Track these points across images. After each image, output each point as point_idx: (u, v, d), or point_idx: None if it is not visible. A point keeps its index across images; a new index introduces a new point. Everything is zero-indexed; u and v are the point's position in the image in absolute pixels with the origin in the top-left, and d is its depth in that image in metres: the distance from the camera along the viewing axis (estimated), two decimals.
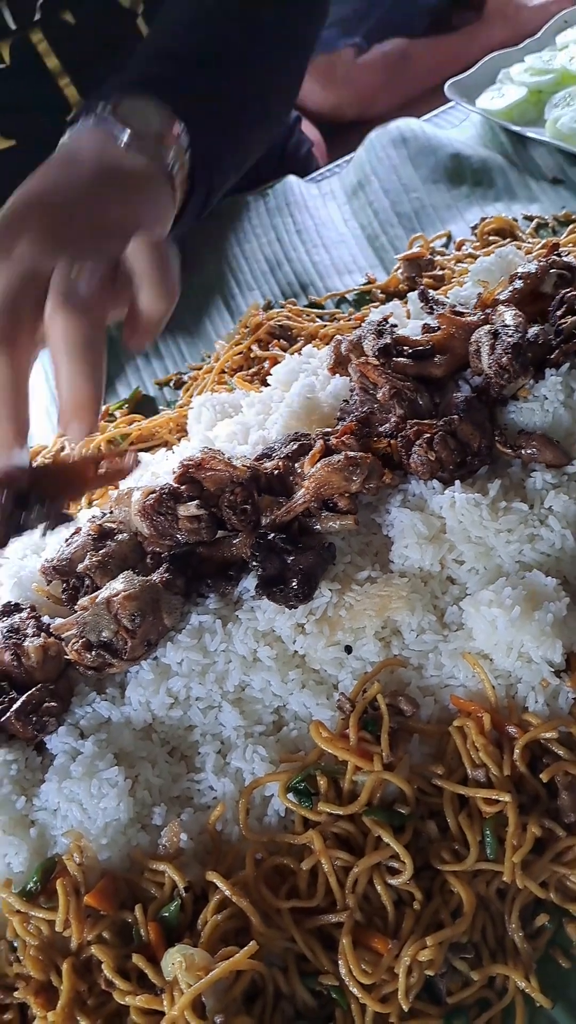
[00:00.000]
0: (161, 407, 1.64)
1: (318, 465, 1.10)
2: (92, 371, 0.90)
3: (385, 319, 1.25)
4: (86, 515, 1.23)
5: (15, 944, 0.97)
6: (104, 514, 1.17)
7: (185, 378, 1.68)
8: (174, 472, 1.11)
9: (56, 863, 0.98)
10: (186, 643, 1.06)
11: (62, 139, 1.11)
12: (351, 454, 1.10)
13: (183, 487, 1.09)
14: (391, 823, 0.96)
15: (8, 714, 1.03)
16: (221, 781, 1.03)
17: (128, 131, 1.09)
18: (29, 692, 1.04)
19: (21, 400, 0.93)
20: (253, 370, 1.54)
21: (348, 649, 1.06)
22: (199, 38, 1.27)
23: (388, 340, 1.19)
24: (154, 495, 1.09)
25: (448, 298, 1.35)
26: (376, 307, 1.57)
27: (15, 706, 1.03)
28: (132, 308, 0.98)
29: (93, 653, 1.04)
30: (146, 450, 1.51)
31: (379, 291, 1.67)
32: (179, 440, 1.49)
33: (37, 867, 0.98)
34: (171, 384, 1.69)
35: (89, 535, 1.13)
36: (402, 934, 0.92)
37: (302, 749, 1.04)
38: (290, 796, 0.99)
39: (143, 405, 1.67)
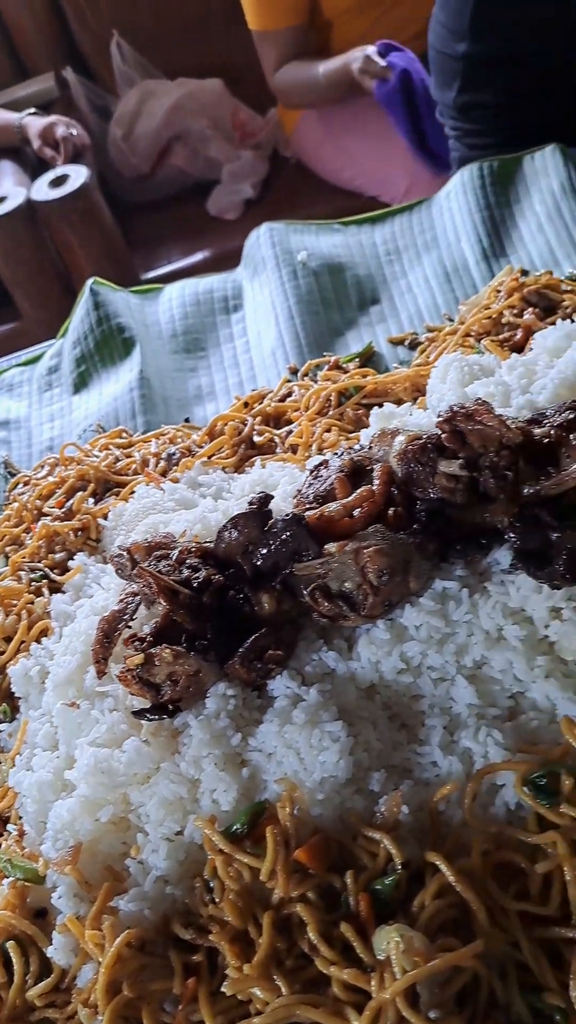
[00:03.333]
0: (395, 365, 1.56)
1: None
2: None
3: None
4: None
5: (212, 884, 0.92)
6: (360, 447, 1.10)
7: (421, 339, 1.60)
8: (440, 415, 1.03)
9: (265, 809, 0.93)
10: (429, 607, 0.98)
11: None
12: None
13: (444, 434, 1.01)
14: None
15: (233, 659, 0.98)
16: (448, 759, 0.95)
17: None
18: (255, 636, 0.99)
19: None
20: (504, 336, 1.43)
21: None
22: None
23: None
24: (419, 442, 1.02)
25: None
26: None
27: (240, 650, 0.98)
28: None
29: (331, 602, 0.98)
30: (379, 405, 1.44)
31: None
32: (414, 399, 1.42)
33: (245, 810, 0.93)
34: (406, 344, 1.61)
35: (341, 471, 1.07)
36: None
37: (540, 742, 0.94)
38: (526, 790, 0.90)
39: (373, 362, 1.60)
